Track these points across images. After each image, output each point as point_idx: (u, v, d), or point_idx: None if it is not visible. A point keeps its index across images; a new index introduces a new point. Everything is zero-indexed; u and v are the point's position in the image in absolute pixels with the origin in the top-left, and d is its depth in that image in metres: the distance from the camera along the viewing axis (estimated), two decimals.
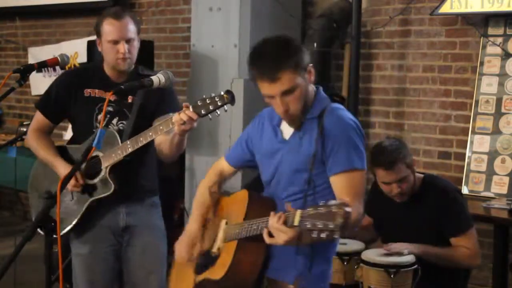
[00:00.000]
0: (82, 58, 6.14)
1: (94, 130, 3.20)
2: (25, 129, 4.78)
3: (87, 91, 3.26)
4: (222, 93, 2.77)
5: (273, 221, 2.31)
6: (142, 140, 3.02)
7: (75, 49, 6.52)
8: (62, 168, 3.20)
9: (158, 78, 3.04)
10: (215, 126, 4.93)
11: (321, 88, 2.65)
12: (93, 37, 6.55)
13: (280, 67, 2.45)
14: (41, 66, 3.35)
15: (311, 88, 2.58)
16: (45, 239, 2.75)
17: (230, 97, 2.76)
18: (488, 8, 4.40)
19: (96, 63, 3.41)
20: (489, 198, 4.27)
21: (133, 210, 3.28)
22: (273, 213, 2.34)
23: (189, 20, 5.39)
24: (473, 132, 4.53)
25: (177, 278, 2.88)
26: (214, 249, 2.67)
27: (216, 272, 2.56)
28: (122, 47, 3.15)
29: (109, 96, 2.93)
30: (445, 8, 4.55)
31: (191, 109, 2.79)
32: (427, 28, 4.86)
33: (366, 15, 5.00)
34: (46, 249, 2.72)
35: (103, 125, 2.85)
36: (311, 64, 2.54)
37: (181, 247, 2.82)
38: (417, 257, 3.33)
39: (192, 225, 2.86)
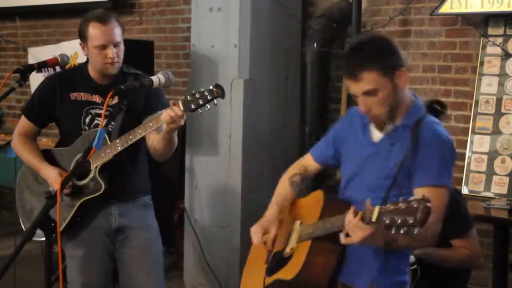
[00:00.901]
0: (82, 58, 6.13)
1: (82, 132, 3.20)
2: None
3: (73, 95, 3.24)
4: (211, 87, 2.79)
5: (350, 217, 2.26)
6: (131, 137, 2.99)
7: (75, 49, 6.49)
8: (48, 171, 3.19)
9: (158, 78, 3.04)
10: (215, 126, 4.94)
11: (418, 97, 2.58)
12: None
13: (362, 67, 2.40)
14: (41, 66, 3.37)
15: (405, 93, 2.51)
16: (45, 239, 2.75)
17: (220, 91, 2.78)
18: (488, 8, 4.40)
19: (80, 65, 3.38)
20: (489, 198, 4.27)
21: (125, 211, 3.27)
22: (352, 208, 2.28)
23: (189, 20, 5.38)
24: (473, 132, 4.53)
25: (248, 278, 2.84)
26: (287, 250, 2.64)
27: (288, 272, 2.53)
28: (111, 51, 3.13)
29: (109, 96, 2.91)
30: (445, 8, 4.55)
31: (180, 105, 2.78)
32: (427, 28, 4.86)
33: (366, 15, 5.00)
34: (46, 249, 2.71)
35: (103, 125, 2.84)
36: (404, 68, 2.45)
37: (256, 231, 2.74)
38: (418, 258, 3.33)
39: (269, 211, 2.79)
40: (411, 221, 2.08)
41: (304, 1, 5.36)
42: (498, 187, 4.36)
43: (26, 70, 3.28)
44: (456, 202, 3.46)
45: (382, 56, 2.42)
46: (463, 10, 4.50)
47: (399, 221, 2.10)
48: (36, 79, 6.88)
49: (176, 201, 5.57)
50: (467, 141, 4.56)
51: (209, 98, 2.79)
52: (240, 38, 4.88)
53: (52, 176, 3.19)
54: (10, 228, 6.69)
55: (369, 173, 2.52)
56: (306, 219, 2.60)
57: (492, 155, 4.43)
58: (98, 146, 2.74)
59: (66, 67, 3.55)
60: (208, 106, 2.80)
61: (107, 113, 3.13)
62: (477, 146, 4.49)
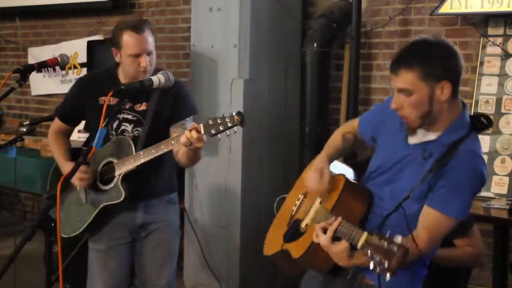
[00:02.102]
0: (82, 58, 6.15)
1: (110, 136, 3.29)
2: (25, 129, 4.78)
3: (102, 99, 3.32)
4: (233, 113, 2.83)
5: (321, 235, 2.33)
6: (154, 152, 3.10)
7: (75, 49, 6.52)
8: (66, 167, 3.31)
9: (158, 79, 3.08)
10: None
11: (466, 110, 2.45)
12: (93, 37, 6.60)
13: (403, 64, 2.34)
14: (41, 66, 3.37)
15: (447, 106, 2.38)
16: (45, 239, 2.76)
17: (240, 119, 2.81)
18: (488, 8, 4.40)
19: (110, 69, 3.45)
20: (489, 198, 4.27)
21: (150, 208, 3.36)
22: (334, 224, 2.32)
23: (189, 20, 5.38)
24: None
25: (272, 235, 2.83)
26: (303, 224, 2.63)
27: (296, 250, 2.54)
28: (144, 60, 3.21)
29: (109, 96, 2.94)
30: (445, 8, 4.55)
31: (202, 129, 2.84)
32: (427, 28, 4.86)
33: (366, 15, 5.00)
34: (46, 249, 2.72)
35: (103, 124, 2.86)
36: (449, 82, 2.34)
37: (308, 174, 2.69)
38: None
39: (319, 156, 2.73)
40: (385, 266, 2.09)
41: (304, 1, 5.36)
42: (498, 187, 4.36)
43: (26, 70, 3.28)
44: None
45: (430, 60, 2.33)
46: (463, 10, 4.50)
47: (377, 259, 2.11)
48: (36, 79, 6.90)
49: None
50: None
51: (229, 125, 2.83)
52: (240, 38, 4.88)
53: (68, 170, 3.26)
54: (10, 228, 6.69)
55: (397, 179, 2.46)
56: (325, 200, 2.58)
57: (492, 155, 4.43)
58: (98, 146, 2.75)
59: (66, 67, 3.58)
60: (228, 133, 2.86)
61: (127, 118, 3.28)
62: None
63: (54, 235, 2.72)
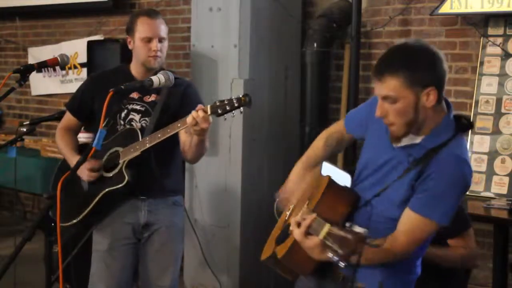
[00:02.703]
0: (82, 58, 6.15)
1: (118, 127, 3.33)
2: (25, 129, 4.78)
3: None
4: (240, 95, 2.90)
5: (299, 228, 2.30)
6: (160, 136, 3.13)
7: (75, 49, 6.53)
8: (75, 161, 3.28)
9: (158, 78, 3.11)
10: (215, 126, 4.93)
11: (451, 112, 2.39)
12: (93, 37, 6.59)
13: (390, 70, 2.28)
14: (41, 66, 3.37)
15: (433, 112, 2.33)
16: (45, 239, 2.76)
17: (247, 100, 2.89)
18: (488, 8, 4.40)
19: (121, 66, 3.54)
20: (489, 198, 4.27)
21: (154, 208, 3.36)
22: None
23: (189, 20, 5.38)
24: (473, 132, 4.53)
25: (270, 239, 2.81)
26: (291, 227, 2.60)
27: (281, 251, 2.53)
28: (155, 44, 3.28)
29: (109, 96, 2.94)
30: (445, 8, 4.55)
31: (208, 109, 2.91)
32: (427, 28, 4.86)
33: (366, 15, 5.00)
34: (46, 249, 2.72)
35: (103, 124, 2.86)
36: (434, 88, 2.28)
37: (282, 198, 2.73)
38: None
39: (296, 168, 2.77)
40: (340, 252, 2.08)
41: (304, 1, 5.36)
42: (498, 187, 4.36)
43: (26, 70, 3.28)
44: None
45: (415, 66, 2.28)
46: (463, 10, 4.50)
47: (334, 248, 2.11)
48: (36, 79, 6.90)
49: None
50: (467, 141, 4.56)
51: (236, 105, 2.91)
52: (240, 38, 4.88)
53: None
54: (10, 228, 6.69)
55: (381, 176, 2.43)
56: (311, 201, 2.56)
57: (492, 155, 4.43)
58: (98, 146, 2.75)
59: (66, 67, 3.59)
60: (234, 113, 2.93)
61: (136, 109, 3.31)
62: (477, 146, 4.50)
63: (54, 235, 2.71)
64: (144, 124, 3.30)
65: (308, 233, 2.31)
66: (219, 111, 2.92)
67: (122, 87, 3.05)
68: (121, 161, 3.23)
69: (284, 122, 5.19)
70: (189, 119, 2.95)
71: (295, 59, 5.21)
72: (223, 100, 2.93)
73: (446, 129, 2.36)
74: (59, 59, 3.38)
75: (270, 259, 2.63)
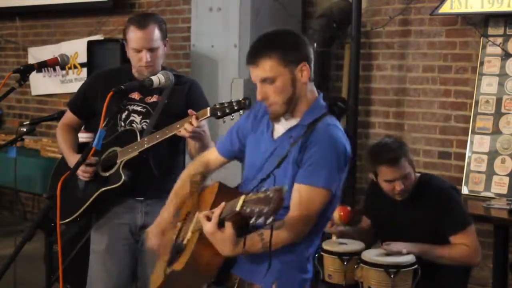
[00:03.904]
0: (82, 58, 6.15)
1: (118, 128, 3.31)
2: (25, 129, 4.77)
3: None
4: (240, 98, 2.91)
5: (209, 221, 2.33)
6: (158, 137, 3.11)
7: (75, 49, 6.53)
8: (73, 158, 3.31)
9: (158, 78, 3.09)
10: (215, 127, 4.93)
11: (321, 96, 2.55)
12: (93, 37, 6.59)
13: (261, 53, 2.43)
14: (41, 66, 3.36)
15: (307, 89, 2.49)
16: (45, 239, 2.75)
17: (247, 102, 2.89)
18: (488, 8, 4.41)
19: (125, 65, 3.50)
20: (489, 198, 4.27)
21: (151, 210, 3.31)
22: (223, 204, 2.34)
23: (189, 20, 5.39)
24: (473, 132, 4.53)
25: (156, 269, 2.81)
26: (185, 240, 2.61)
27: (179, 263, 2.50)
28: (144, 56, 3.22)
29: (109, 96, 2.92)
30: (445, 8, 4.55)
31: (208, 112, 2.94)
32: (427, 28, 4.86)
33: (366, 15, 5.00)
34: (46, 249, 2.72)
35: (103, 125, 2.85)
36: (306, 63, 2.45)
37: (150, 234, 2.79)
38: (417, 257, 3.33)
39: (163, 213, 2.81)
40: (265, 210, 2.09)
41: (304, 1, 5.37)
42: (498, 187, 4.36)
43: (26, 70, 3.28)
44: (452, 199, 3.47)
45: (283, 46, 2.44)
46: (463, 10, 4.50)
47: (256, 210, 2.12)
48: (36, 79, 6.90)
49: None
50: (467, 141, 4.56)
51: (235, 108, 2.92)
52: (240, 38, 4.88)
53: (73, 163, 3.25)
54: (10, 228, 6.69)
55: (268, 170, 2.45)
56: (202, 209, 2.57)
57: (492, 155, 4.43)
58: (98, 146, 2.75)
59: (66, 67, 3.59)
60: (233, 116, 2.92)
61: (137, 110, 3.29)
62: (477, 146, 4.50)
63: (54, 235, 2.71)
64: (145, 126, 3.27)
65: (221, 225, 2.31)
66: (219, 114, 2.93)
67: (122, 87, 3.04)
68: (118, 161, 3.21)
69: None
70: (182, 131, 2.98)
71: None
72: (223, 103, 2.93)
73: (319, 108, 2.49)
74: (59, 59, 3.38)
75: (166, 282, 2.59)
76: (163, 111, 3.26)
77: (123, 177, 3.17)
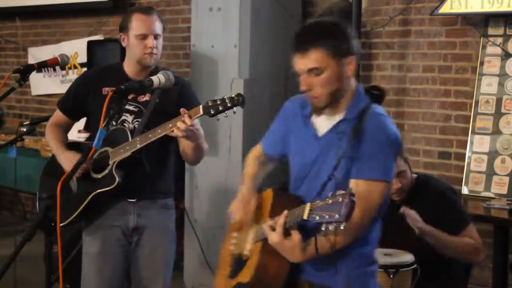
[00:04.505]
0: (82, 58, 6.15)
1: (110, 127, 3.22)
2: (25, 129, 4.78)
3: (105, 89, 3.29)
4: (233, 95, 2.84)
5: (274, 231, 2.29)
6: (150, 136, 3.06)
7: (75, 49, 6.53)
8: (63, 155, 3.29)
9: (158, 78, 3.05)
10: (215, 127, 4.93)
11: (360, 86, 2.50)
12: (93, 37, 6.58)
13: (313, 43, 2.35)
14: (41, 66, 3.36)
15: (350, 83, 2.43)
16: (45, 239, 2.75)
17: (240, 99, 2.83)
18: (488, 8, 4.40)
19: (116, 63, 3.48)
20: (489, 198, 4.27)
21: (144, 211, 3.29)
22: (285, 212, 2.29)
23: (189, 20, 5.39)
24: (473, 132, 4.53)
25: (217, 283, 2.79)
26: (246, 252, 2.59)
27: (245, 275, 2.49)
28: (151, 41, 3.23)
29: (109, 96, 2.91)
30: (445, 8, 4.55)
31: (201, 110, 2.87)
32: (427, 28, 4.86)
33: (366, 15, 5.00)
34: (46, 249, 2.71)
35: (103, 125, 2.85)
36: (354, 57, 2.39)
37: (235, 209, 2.69)
38: (418, 256, 3.32)
39: (241, 189, 2.72)
40: (336, 216, 2.07)
41: (304, 1, 5.37)
42: (498, 187, 4.36)
43: (26, 70, 3.28)
44: (450, 200, 3.47)
45: (334, 37, 2.36)
46: (463, 10, 4.50)
47: (326, 217, 2.09)
48: (36, 79, 6.90)
49: (176, 201, 5.57)
50: (467, 141, 4.56)
51: (229, 105, 2.85)
52: (240, 38, 4.88)
53: (65, 158, 3.27)
54: (10, 228, 6.69)
55: (319, 170, 2.43)
56: (259, 219, 2.55)
57: (492, 155, 4.43)
58: (98, 146, 2.74)
59: (66, 67, 3.57)
60: (227, 113, 2.86)
61: (129, 109, 3.24)
62: (477, 146, 4.50)
63: (54, 235, 2.71)
64: (137, 125, 3.22)
65: (286, 233, 2.29)
66: (212, 112, 2.86)
67: (122, 87, 3.02)
68: (110, 162, 3.15)
69: None
70: (175, 131, 2.93)
71: None
72: (216, 100, 2.87)
73: (361, 99, 2.44)
74: (59, 59, 3.38)
75: None
76: (155, 110, 3.22)
77: (117, 179, 3.12)
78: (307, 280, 2.48)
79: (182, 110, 2.95)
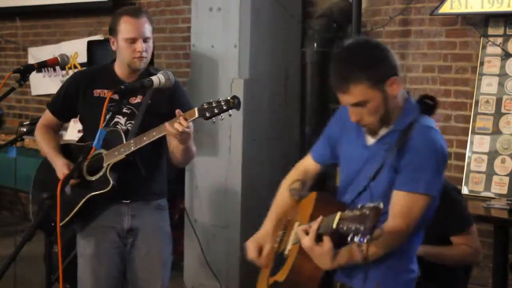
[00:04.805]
0: (82, 58, 6.15)
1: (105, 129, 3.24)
2: (25, 129, 4.77)
3: (97, 91, 3.27)
4: (228, 97, 2.82)
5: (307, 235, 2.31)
6: (145, 139, 3.03)
7: (75, 49, 6.53)
8: (57, 160, 3.24)
9: (158, 78, 3.05)
10: (215, 127, 4.93)
11: (411, 96, 2.46)
12: (93, 37, 6.59)
13: (349, 79, 2.34)
14: (41, 66, 3.37)
15: (397, 98, 2.40)
16: (45, 239, 2.76)
17: (235, 102, 2.81)
18: (488, 8, 4.40)
19: (106, 64, 3.43)
20: (489, 198, 4.27)
21: (138, 212, 3.28)
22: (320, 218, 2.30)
23: (189, 20, 5.39)
24: (473, 132, 4.53)
25: (261, 278, 2.81)
26: (286, 251, 2.61)
27: (282, 275, 2.51)
28: (140, 45, 3.17)
29: (109, 96, 2.91)
30: (445, 8, 4.55)
31: (196, 112, 2.85)
32: (427, 28, 4.86)
33: (366, 15, 5.00)
34: (46, 249, 2.72)
35: (103, 125, 2.85)
36: (395, 77, 2.34)
37: (250, 245, 2.73)
38: (417, 257, 3.32)
39: (264, 225, 2.76)
40: (362, 229, 2.07)
41: (304, 1, 5.36)
42: (498, 187, 4.36)
43: (26, 70, 3.28)
44: (454, 200, 3.46)
45: (370, 66, 2.33)
46: (463, 10, 4.50)
47: (353, 228, 2.09)
48: (36, 79, 6.90)
49: (176, 201, 5.57)
50: (467, 141, 4.56)
51: (224, 108, 2.83)
52: (240, 38, 4.88)
53: (58, 165, 3.23)
54: (10, 228, 6.69)
55: (363, 179, 2.43)
56: (302, 220, 2.56)
57: (492, 155, 4.43)
58: (98, 146, 2.74)
59: (66, 67, 3.56)
60: (223, 116, 2.85)
61: (122, 111, 3.21)
62: (477, 146, 4.50)
63: (54, 235, 2.71)
64: (129, 127, 3.19)
65: (318, 239, 2.30)
66: (208, 114, 2.84)
67: (123, 87, 3.02)
68: (105, 165, 3.12)
69: (284, 122, 5.19)
70: (167, 128, 2.90)
71: (295, 59, 5.21)
72: (211, 102, 2.85)
73: (411, 110, 2.42)
74: (59, 59, 3.38)
75: None
76: (147, 111, 3.19)
77: (111, 182, 3.10)
78: (339, 281, 2.50)
79: (177, 111, 2.93)
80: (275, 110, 5.12)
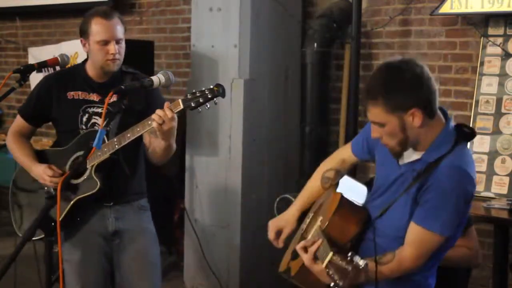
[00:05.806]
0: (82, 58, 6.11)
1: (80, 131, 3.18)
2: None
3: (70, 94, 3.22)
4: (212, 86, 2.79)
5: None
6: (129, 136, 2.99)
7: (75, 49, 6.49)
8: (36, 168, 3.19)
9: (158, 78, 3.03)
10: (215, 126, 4.94)
11: (450, 122, 2.41)
12: None
13: (369, 96, 2.35)
14: (41, 66, 3.36)
15: (427, 129, 2.35)
16: (45, 239, 2.75)
17: (220, 90, 2.77)
18: (488, 8, 4.40)
19: (77, 65, 3.37)
20: (489, 198, 4.27)
21: (121, 215, 3.24)
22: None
23: (189, 20, 5.39)
24: None
25: (286, 254, 2.81)
26: (298, 251, 2.61)
27: (294, 268, 2.54)
28: (113, 47, 3.11)
29: (109, 96, 2.88)
30: (445, 8, 4.55)
31: (181, 103, 2.81)
32: (427, 28, 4.86)
33: (366, 15, 5.00)
34: (46, 249, 2.72)
35: (104, 124, 2.83)
36: (418, 109, 2.29)
37: (272, 226, 2.75)
38: None
39: (291, 208, 2.77)
40: (340, 284, 2.11)
41: (304, 1, 5.36)
42: (498, 187, 4.36)
43: (26, 70, 3.27)
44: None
45: (389, 93, 2.30)
46: (463, 10, 4.50)
47: (335, 277, 2.13)
48: (36, 79, 6.87)
49: (176, 201, 5.57)
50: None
51: (209, 96, 2.79)
52: (240, 38, 4.88)
53: (38, 171, 3.18)
54: (10, 228, 6.66)
55: (391, 194, 2.44)
56: (324, 218, 2.56)
57: (492, 155, 4.43)
58: (98, 146, 2.73)
59: (66, 67, 3.54)
60: (208, 105, 2.81)
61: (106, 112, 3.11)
62: (477, 146, 4.49)
63: (54, 235, 2.71)
64: (108, 128, 3.09)
65: (315, 258, 2.33)
66: (193, 105, 2.79)
67: (123, 87, 3.01)
68: (89, 166, 3.07)
69: (284, 122, 5.19)
70: (155, 116, 2.82)
71: (295, 59, 5.21)
72: (195, 92, 2.80)
73: (445, 141, 2.38)
74: (59, 59, 3.38)
75: (285, 273, 2.64)
76: (124, 110, 3.10)
77: (98, 183, 3.06)
78: None
79: (166, 103, 2.87)
80: (275, 110, 5.12)
